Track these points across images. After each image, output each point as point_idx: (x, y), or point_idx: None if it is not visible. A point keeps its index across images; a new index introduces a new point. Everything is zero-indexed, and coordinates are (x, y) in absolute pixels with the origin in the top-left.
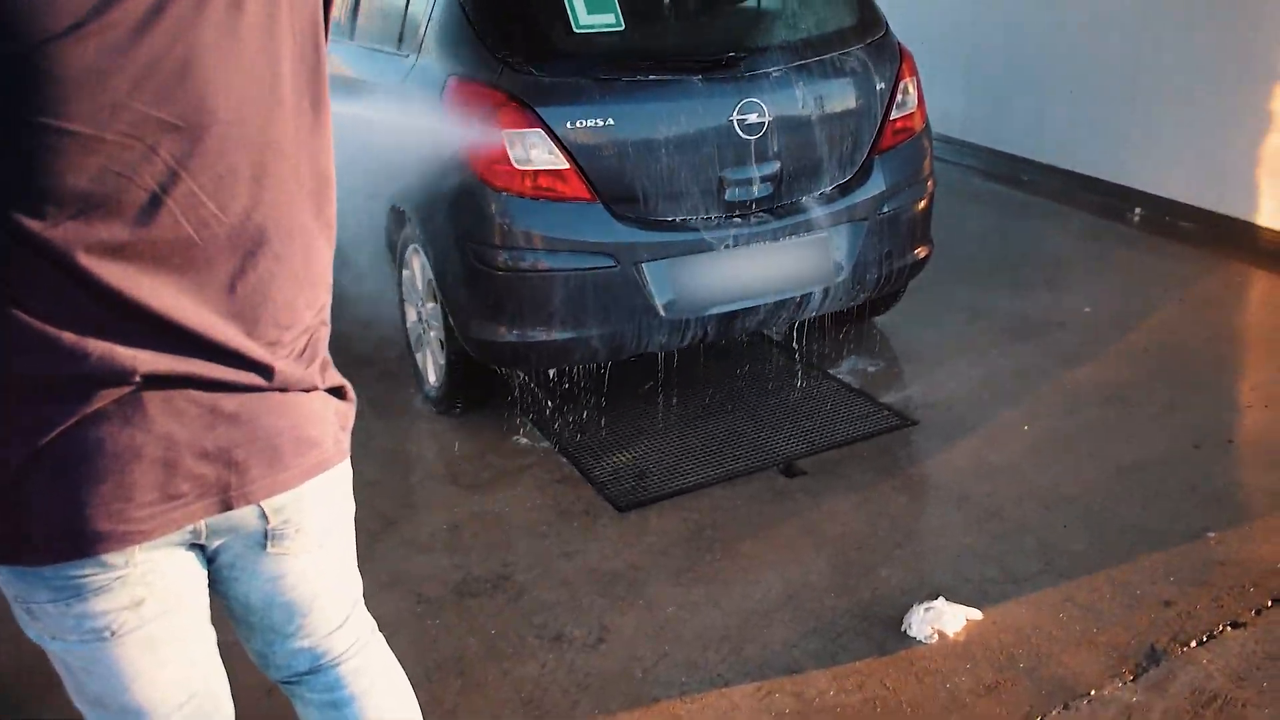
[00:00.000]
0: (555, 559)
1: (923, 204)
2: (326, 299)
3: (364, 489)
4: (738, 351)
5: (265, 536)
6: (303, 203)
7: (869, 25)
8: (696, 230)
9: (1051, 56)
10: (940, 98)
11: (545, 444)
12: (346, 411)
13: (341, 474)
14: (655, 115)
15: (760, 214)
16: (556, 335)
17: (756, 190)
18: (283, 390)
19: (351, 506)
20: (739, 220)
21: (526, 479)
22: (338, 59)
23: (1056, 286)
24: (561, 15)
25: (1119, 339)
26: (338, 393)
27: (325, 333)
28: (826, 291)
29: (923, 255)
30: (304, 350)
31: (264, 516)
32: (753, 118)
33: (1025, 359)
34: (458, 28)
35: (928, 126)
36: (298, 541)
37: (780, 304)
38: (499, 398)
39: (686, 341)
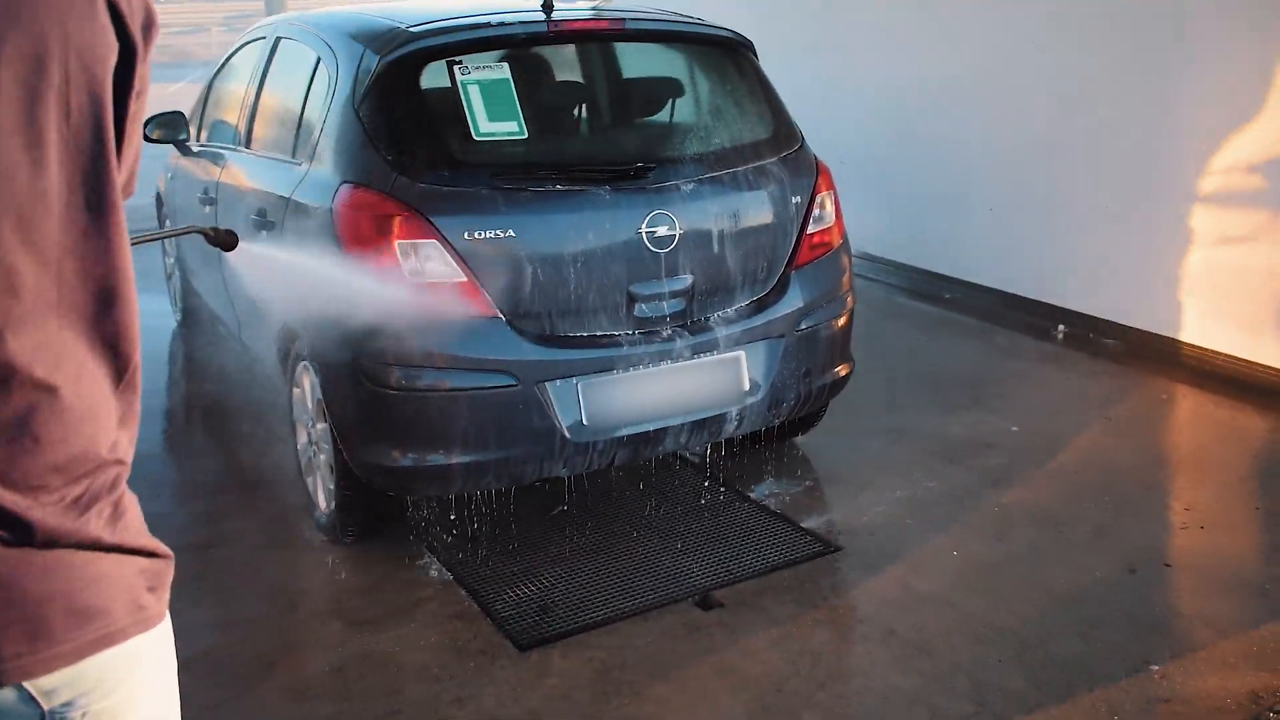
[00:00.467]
0: (447, 705)
1: (842, 320)
2: (113, 435)
3: (243, 627)
4: (652, 474)
5: None
6: (73, 321)
7: (784, 139)
8: (604, 348)
9: (971, 174)
10: (860, 215)
11: (445, 575)
12: (158, 570)
13: (146, 647)
14: (559, 227)
15: (672, 331)
16: (453, 459)
17: (667, 306)
18: (48, 547)
19: (171, 680)
20: (649, 337)
21: (421, 614)
22: (235, 168)
23: (982, 406)
24: (460, 122)
25: (1048, 459)
26: (140, 550)
27: (114, 475)
28: (743, 412)
29: (843, 373)
30: (80, 498)
31: (31, 700)
32: (662, 230)
33: (952, 481)
34: (351, 134)
35: (846, 242)
36: None
37: (694, 425)
38: (397, 524)
39: (595, 465)
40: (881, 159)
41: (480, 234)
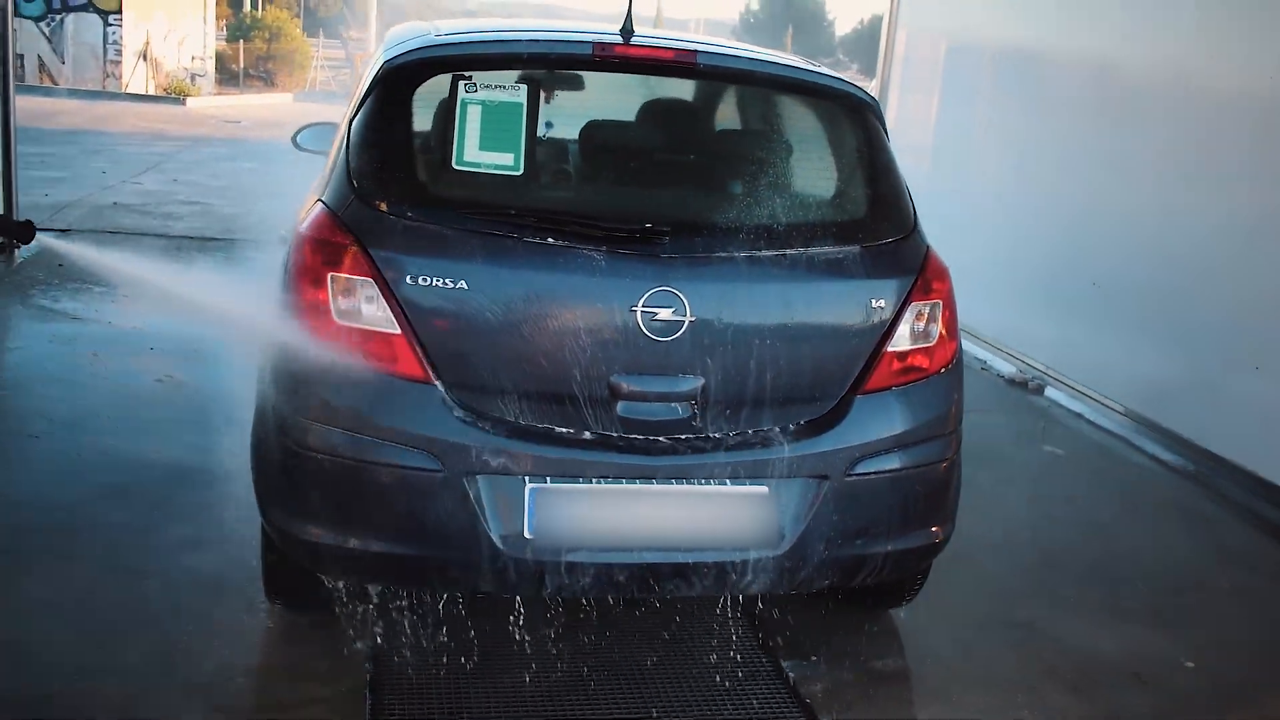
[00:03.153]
0: None
1: (930, 471)
2: None
3: (106, 674)
4: (676, 608)
5: None
6: None
7: (885, 223)
8: (566, 447)
9: (1240, 320)
10: (1088, 342)
11: (357, 680)
12: None
13: None
14: (528, 286)
15: (668, 441)
16: (363, 545)
17: (664, 410)
18: None
19: None
20: (633, 446)
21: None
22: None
23: (1160, 621)
24: (444, 145)
25: (1214, 717)
26: None
27: None
28: (755, 565)
29: (925, 543)
30: None
31: None
32: (665, 314)
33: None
34: (340, 149)
35: (956, 369)
36: None
37: (682, 570)
38: (335, 603)
39: (541, 590)
40: (1140, 283)
41: (427, 280)
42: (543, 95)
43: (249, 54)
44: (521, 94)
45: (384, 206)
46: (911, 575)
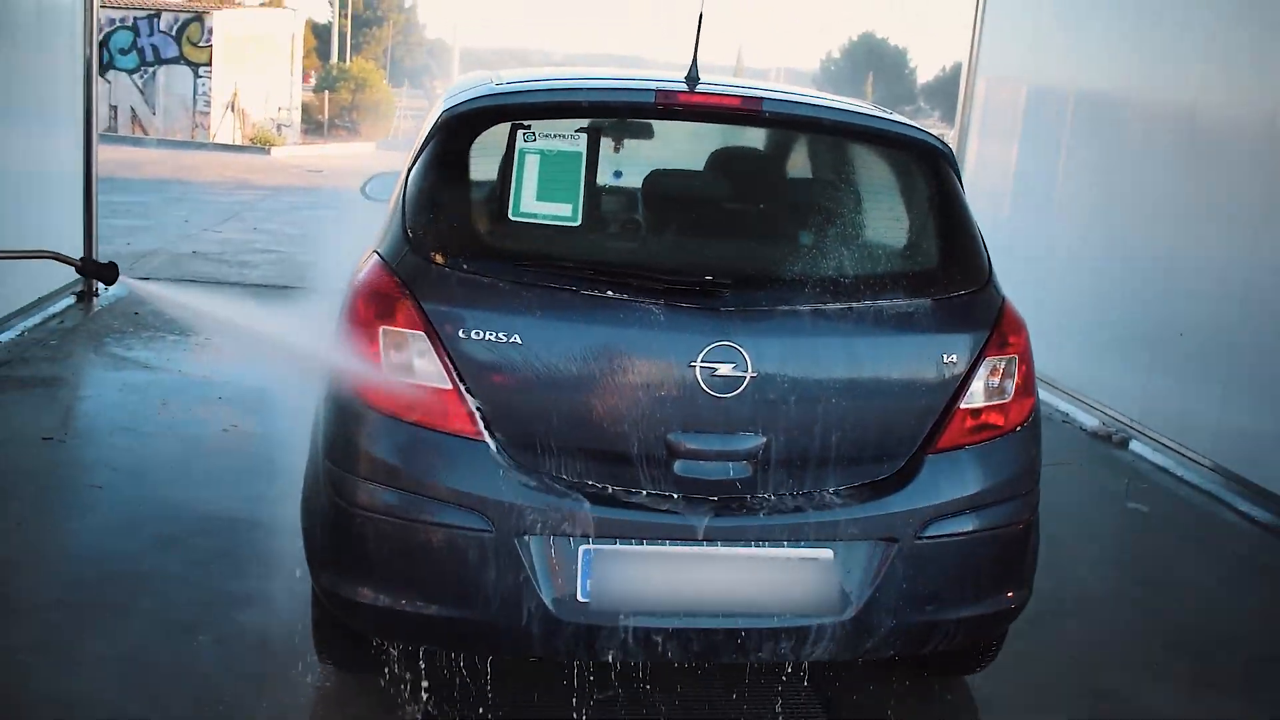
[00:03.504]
0: None
1: (1006, 533)
2: None
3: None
4: (744, 676)
5: None
6: None
7: (958, 272)
8: (622, 507)
9: None
10: (1178, 395)
11: None
12: None
13: None
14: (583, 341)
15: (726, 502)
16: (409, 607)
17: (723, 470)
18: None
19: None
20: (691, 505)
21: None
22: None
23: (1255, 696)
24: (501, 196)
25: None
26: None
27: None
28: (817, 632)
29: (999, 609)
30: None
31: None
32: (725, 369)
33: None
34: (397, 200)
35: (1033, 426)
36: None
37: (744, 634)
38: (388, 666)
39: (594, 656)
40: (1229, 333)
41: (481, 335)
42: (612, 144)
43: (334, 104)
44: (581, 143)
45: (438, 258)
46: (986, 642)
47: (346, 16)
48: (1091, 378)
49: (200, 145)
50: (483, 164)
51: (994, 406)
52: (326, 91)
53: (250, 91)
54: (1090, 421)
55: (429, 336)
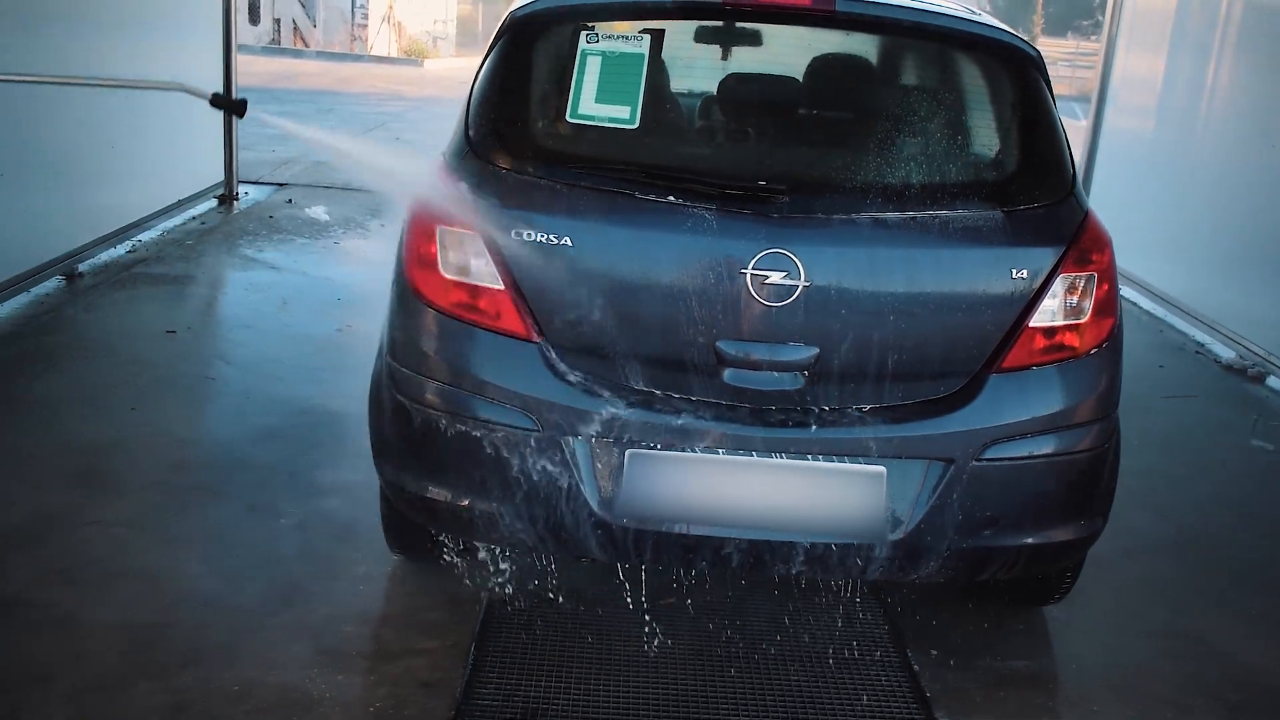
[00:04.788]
0: None
1: (1076, 460)
2: None
3: (213, 608)
4: (800, 586)
5: None
6: None
7: (1036, 184)
8: (668, 412)
9: None
10: None
11: (459, 633)
12: None
13: None
14: (632, 245)
15: (775, 413)
16: (463, 501)
17: (773, 380)
18: None
19: None
20: (740, 415)
21: (395, 669)
22: None
23: None
24: (560, 97)
25: None
26: None
27: None
28: (868, 550)
29: (1069, 538)
30: None
31: None
32: (776, 277)
33: None
34: (464, 106)
35: (1113, 347)
36: None
37: (788, 547)
38: (453, 557)
39: (637, 559)
40: None
41: (533, 236)
42: (720, 52)
43: (490, 16)
44: (644, 45)
45: (497, 160)
46: (1057, 572)
47: None
48: (1231, 307)
49: (357, 58)
50: (547, 67)
51: (1068, 326)
52: (481, 3)
53: (407, 4)
54: (1227, 354)
55: (484, 237)
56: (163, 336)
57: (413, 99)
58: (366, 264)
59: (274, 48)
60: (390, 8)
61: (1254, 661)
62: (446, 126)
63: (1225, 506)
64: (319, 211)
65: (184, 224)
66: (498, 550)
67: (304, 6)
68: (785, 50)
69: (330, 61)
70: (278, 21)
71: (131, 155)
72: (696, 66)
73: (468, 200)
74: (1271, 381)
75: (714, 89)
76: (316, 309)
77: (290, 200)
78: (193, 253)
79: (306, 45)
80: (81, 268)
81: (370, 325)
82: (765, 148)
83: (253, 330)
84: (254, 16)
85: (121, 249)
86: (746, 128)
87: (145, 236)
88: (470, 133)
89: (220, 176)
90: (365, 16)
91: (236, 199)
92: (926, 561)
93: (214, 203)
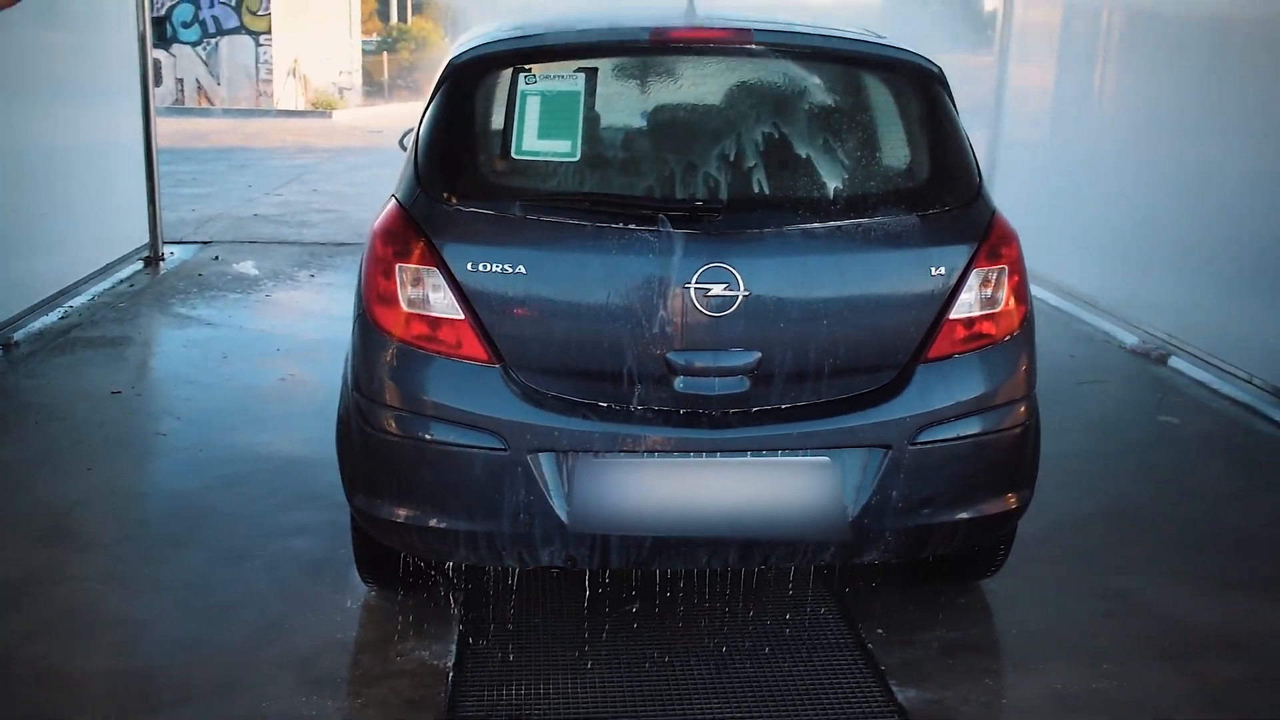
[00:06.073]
0: None
1: (1001, 437)
2: None
3: (199, 649)
4: (751, 576)
5: None
6: None
7: (946, 188)
8: (626, 422)
9: None
10: (1217, 310)
11: (432, 650)
12: None
13: None
14: (583, 269)
15: (727, 415)
16: (436, 523)
17: (721, 384)
18: None
19: None
20: (692, 419)
21: (380, 692)
22: None
23: (1268, 593)
24: (503, 135)
25: None
26: None
27: None
28: (820, 535)
29: (999, 510)
30: None
31: None
32: (718, 289)
33: (1146, 687)
34: (412, 148)
35: (1025, 335)
36: None
37: (748, 540)
38: (424, 583)
39: (609, 564)
40: (1267, 246)
41: (488, 266)
42: (645, 85)
43: (395, 65)
44: (579, 83)
45: (448, 198)
46: (991, 544)
47: None
48: (1132, 296)
49: (264, 113)
50: (489, 108)
51: (985, 316)
52: (385, 53)
53: (311, 57)
54: (1130, 339)
55: (441, 271)
56: (108, 397)
57: (325, 150)
58: (301, 314)
59: (178, 108)
60: (295, 61)
61: (1184, 614)
62: (363, 176)
63: (1142, 478)
64: (247, 266)
65: (113, 287)
66: (469, 569)
67: (206, 65)
68: (711, 79)
69: (238, 118)
70: (180, 81)
71: (58, 222)
72: (630, 100)
73: (423, 237)
74: (1173, 362)
75: (647, 119)
76: (257, 361)
77: (217, 257)
78: (126, 314)
79: (212, 103)
80: (16, 336)
81: (312, 373)
82: (699, 171)
83: (197, 385)
84: (156, 78)
85: (54, 315)
86: (680, 153)
87: (76, 302)
88: (420, 173)
89: (145, 238)
90: (270, 71)
91: (163, 259)
92: (874, 543)
93: (140, 265)
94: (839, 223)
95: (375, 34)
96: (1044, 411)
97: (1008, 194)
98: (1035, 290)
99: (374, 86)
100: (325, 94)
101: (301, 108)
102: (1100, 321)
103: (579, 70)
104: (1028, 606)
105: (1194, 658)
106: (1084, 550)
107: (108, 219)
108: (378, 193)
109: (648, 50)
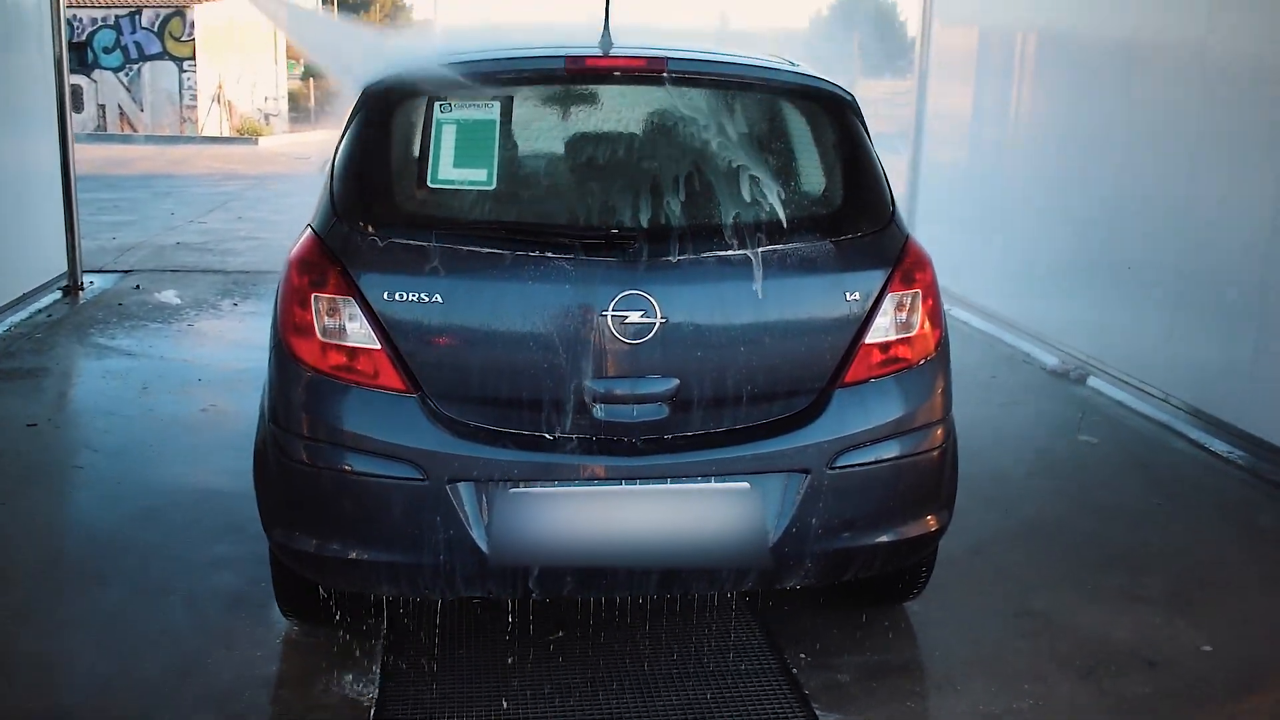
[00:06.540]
0: None
1: (919, 460)
2: None
3: (120, 688)
4: (677, 606)
5: None
6: None
7: (859, 214)
8: (546, 450)
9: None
10: (1131, 330)
11: (355, 685)
12: None
13: None
14: (500, 298)
15: (646, 442)
16: (357, 555)
17: (640, 411)
18: None
19: None
20: (611, 446)
21: None
22: None
23: (1178, 606)
24: (420, 165)
25: (1234, 701)
26: None
27: None
28: (742, 561)
29: (918, 533)
30: None
31: None
32: (635, 317)
33: (1068, 704)
34: (328, 177)
35: (941, 358)
36: None
37: (671, 567)
38: (346, 616)
39: (528, 593)
40: (1173, 266)
41: (405, 296)
42: (561, 114)
43: (321, 91)
44: (494, 112)
45: (363, 227)
46: (913, 567)
47: (333, 2)
48: (1051, 317)
49: (189, 139)
50: (405, 137)
51: (900, 340)
52: (312, 79)
53: (236, 83)
54: (1050, 360)
55: (357, 301)
56: (24, 430)
57: (250, 177)
58: (224, 344)
59: (100, 134)
60: (220, 87)
61: (1099, 630)
62: (290, 203)
63: (1062, 497)
64: (169, 295)
65: (30, 317)
66: (392, 600)
67: (129, 91)
68: (626, 108)
69: (161, 145)
70: (102, 107)
71: None
72: (545, 128)
73: (338, 266)
74: (1092, 382)
75: (563, 148)
76: (178, 391)
77: (138, 286)
78: (44, 345)
79: (135, 130)
80: None
81: (234, 403)
82: (615, 198)
83: (116, 417)
84: (76, 104)
85: None
86: (596, 181)
87: None
88: (336, 202)
89: (64, 267)
90: (194, 97)
91: (82, 289)
92: (795, 568)
93: (59, 294)
94: (755, 249)
95: (301, 60)
96: (965, 432)
97: (930, 216)
98: (958, 312)
99: (300, 112)
100: (251, 120)
101: (227, 134)
102: (1021, 343)
103: (495, 99)
104: (948, 629)
105: (1112, 675)
106: (1005, 570)
107: (24, 247)
108: (304, 219)
109: (564, 79)
